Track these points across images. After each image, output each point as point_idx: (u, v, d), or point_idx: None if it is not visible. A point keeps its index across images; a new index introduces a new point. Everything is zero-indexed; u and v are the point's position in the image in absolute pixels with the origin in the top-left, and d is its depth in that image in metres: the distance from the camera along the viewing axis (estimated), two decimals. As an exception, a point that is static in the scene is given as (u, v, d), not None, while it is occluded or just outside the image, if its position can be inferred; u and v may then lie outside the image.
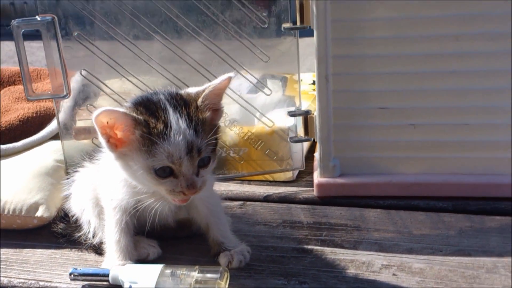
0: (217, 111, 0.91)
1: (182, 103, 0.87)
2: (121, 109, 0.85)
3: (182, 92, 0.91)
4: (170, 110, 0.86)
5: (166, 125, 0.84)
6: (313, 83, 1.64)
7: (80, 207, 1.06)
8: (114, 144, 0.88)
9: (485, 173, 1.15)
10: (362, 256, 0.98)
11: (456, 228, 1.05)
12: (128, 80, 1.20)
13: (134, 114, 0.85)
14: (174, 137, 0.84)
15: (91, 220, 1.03)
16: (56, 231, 1.11)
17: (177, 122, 0.84)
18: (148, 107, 0.87)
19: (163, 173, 0.87)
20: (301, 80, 1.59)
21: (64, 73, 1.16)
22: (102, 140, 0.88)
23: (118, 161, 0.90)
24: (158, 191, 0.90)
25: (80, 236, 1.06)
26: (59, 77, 1.17)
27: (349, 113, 1.18)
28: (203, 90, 0.88)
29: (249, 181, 1.34)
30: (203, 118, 0.87)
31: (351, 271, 0.94)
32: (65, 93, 1.18)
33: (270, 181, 1.33)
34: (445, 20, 1.09)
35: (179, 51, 1.19)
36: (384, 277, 0.92)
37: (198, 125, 0.85)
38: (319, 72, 1.14)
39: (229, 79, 0.88)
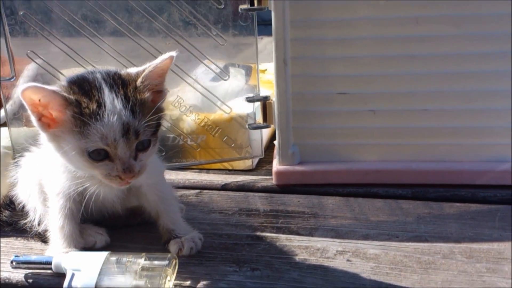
0: (159, 92, 0.85)
1: (120, 83, 0.82)
2: (50, 87, 0.79)
3: (122, 71, 0.86)
4: (106, 90, 0.80)
5: (100, 105, 0.79)
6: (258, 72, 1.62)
7: (26, 193, 1.01)
8: (47, 124, 0.83)
9: (445, 160, 1.13)
10: (317, 242, 0.95)
11: (414, 215, 1.02)
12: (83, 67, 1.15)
13: (64, 93, 0.79)
14: (108, 118, 0.79)
15: (36, 207, 0.99)
16: (1, 219, 1.06)
17: (112, 102, 0.79)
18: (81, 86, 0.81)
19: (98, 156, 0.82)
20: (266, 70, 1.57)
21: (9, 55, 1.11)
22: (32, 119, 0.83)
23: (51, 143, 0.85)
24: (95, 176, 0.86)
25: (25, 224, 1.01)
26: (5, 59, 1.12)
27: (308, 99, 1.15)
28: (143, 70, 0.84)
29: (208, 170, 1.30)
30: (142, 99, 0.82)
31: (305, 257, 0.91)
32: (11, 76, 1.12)
33: (229, 170, 1.30)
34: (406, 2, 1.06)
35: (132, 33, 1.15)
36: (338, 262, 0.89)
37: (135, 106, 0.80)
38: (277, 55, 1.11)
39: (171, 58, 0.83)
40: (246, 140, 1.27)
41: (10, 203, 1.05)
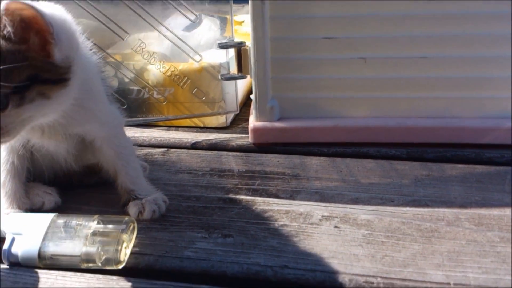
0: (39, 50, 0.65)
1: None
2: None
3: None
4: None
5: None
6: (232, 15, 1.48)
7: None
8: None
9: (445, 116, 1.00)
10: (300, 206, 0.82)
11: (410, 177, 0.89)
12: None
13: None
14: None
15: None
16: None
17: None
18: None
19: None
20: (243, 22, 1.42)
21: None
22: None
23: None
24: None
25: None
26: None
27: (289, 45, 1.00)
28: None
29: (177, 127, 1.16)
30: None
31: (285, 222, 0.78)
32: None
33: (200, 128, 1.16)
34: None
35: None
36: (324, 229, 0.76)
37: None
38: (254, -7, 0.96)
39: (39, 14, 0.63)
40: (219, 94, 1.12)
41: None
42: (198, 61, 1.10)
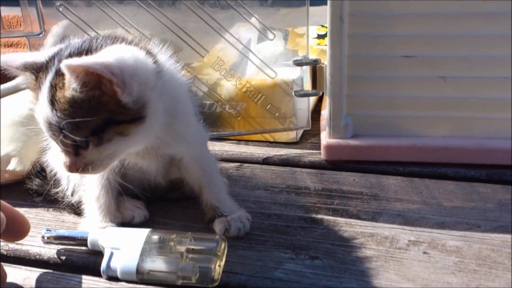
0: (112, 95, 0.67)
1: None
2: (15, 65, 0.71)
3: (93, 51, 0.70)
4: (49, 76, 0.68)
5: (39, 88, 0.69)
6: (318, 37, 1.47)
7: (58, 160, 0.88)
8: None
9: (527, 137, 0.98)
10: (384, 229, 0.82)
11: (494, 201, 0.88)
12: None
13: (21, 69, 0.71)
14: (38, 114, 0.70)
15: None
16: (31, 187, 0.95)
17: (42, 94, 0.68)
18: (49, 61, 0.70)
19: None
20: (304, 34, 1.42)
21: (38, 9, 0.98)
22: None
23: None
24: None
25: (57, 193, 0.89)
26: (33, 15, 1.00)
27: (366, 62, 1.00)
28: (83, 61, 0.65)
29: (247, 141, 1.17)
30: (66, 97, 0.66)
31: (372, 246, 0.78)
32: (39, 31, 0.99)
33: (270, 142, 1.16)
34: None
35: None
36: (413, 255, 0.75)
37: (58, 103, 0.66)
38: (333, 11, 0.96)
39: (107, 67, 0.64)
40: (291, 110, 1.12)
41: (41, 171, 0.94)
42: (273, 78, 1.10)
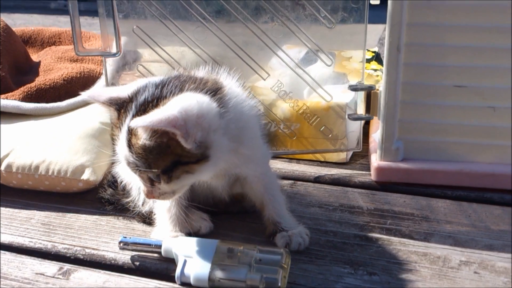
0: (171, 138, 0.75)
1: (140, 115, 0.76)
2: (102, 99, 0.81)
3: (164, 100, 0.77)
4: (128, 119, 0.77)
5: (120, 127, 0.78)
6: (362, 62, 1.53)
7: (128, 172, 0.96)
8: None
9: None
10: (436, 249, 0.87)
11: (539, 226, 0.93)
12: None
13: (106, 102, 0.81)
14: (118, 150, 0.80)
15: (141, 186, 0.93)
16: (104, 197, 1.02)
17: (122, 134, 0.78)
18: (130, 101, 0.79)
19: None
20: (351, 57, 1.48)
21: (116, 31, 1.05)
22: None
23: None
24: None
25: (128, 203, 0.97)
26: (110, 36, 1.07)
27: (419, 90, 1.06)
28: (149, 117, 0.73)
29: (298, 160, 1.23)
30: (139, 144, 0.76)
31: (425, 265, 0.83)
32: (115, 51, 1.07)
33: (321, 161, 1.23)
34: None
35: (238, 12, 1.08)
36: (465, 274, 0.81)
37: (134, 147, 0.76)
38: (390, 41, 1.03)
39: (173, 122, 0.72)
40: (342, 131, 1.19)
41: (113, 181, 1.01)
42: (328, 101, 1.16)
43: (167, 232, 0.88)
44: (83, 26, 1.07)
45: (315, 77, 1.22)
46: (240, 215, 0.98)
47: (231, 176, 0.90)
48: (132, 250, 0.87)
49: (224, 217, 0.97)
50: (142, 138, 0.75)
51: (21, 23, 4.06)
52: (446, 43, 1.02)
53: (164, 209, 0.90)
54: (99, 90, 0.82)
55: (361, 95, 1.15)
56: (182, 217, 0.89)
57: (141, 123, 0.71)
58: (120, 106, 0.79)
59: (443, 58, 1.03)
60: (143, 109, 0.76)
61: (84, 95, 0.82)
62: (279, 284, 0.76)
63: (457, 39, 1.02)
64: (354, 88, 1.14)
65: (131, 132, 0.76)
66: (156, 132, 0.74)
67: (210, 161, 0.78)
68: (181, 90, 0.78)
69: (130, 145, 0.76)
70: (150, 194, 0.80)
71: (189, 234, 0.90)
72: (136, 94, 0.79)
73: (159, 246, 0.84)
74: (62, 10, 3.88)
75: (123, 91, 0.81)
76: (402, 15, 1.01)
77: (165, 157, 0.76)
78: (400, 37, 1.02)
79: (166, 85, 0.79)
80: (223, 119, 0.79)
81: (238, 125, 0.82)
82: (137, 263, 0.86)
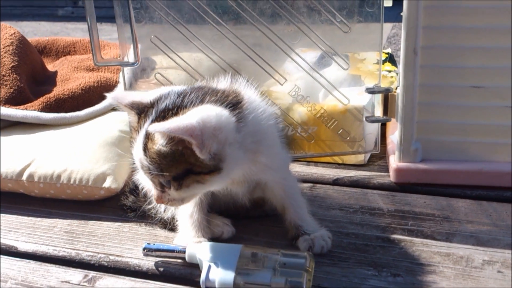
0: (186, 147, 0.76)
1: (159, 121, 0.77)
2: (125, 102, 0.83)
3: (184, 109, 0.78)
4: (146, 124, 0.78)
5: (138, 130, 0.80)
6: (378, 62, 1.53)
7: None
8: None
9: None
10: (458, 249, 0.87)
11: (562, 224, 0.93)
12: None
13: (129, 107, 0.82)
14: (134, 152, 0.81)
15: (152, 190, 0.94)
16: (126, 204, 1.04)
17: (139, 139, 0.79)
18: (151, 107, 0.80)
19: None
20: (365, 59, 1.48)
21: (134, 40, 1.07)
22: None
23: None
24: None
25: (150, 210, 0.98)
26: (128, 45, 1.08)
27: (437, 91, 1.06)
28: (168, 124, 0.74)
29: (316, 163, 1.24)
30: (154, 149, 0.77)
31: (448, 265, 0.83)
32: (134, 61, 1.08)
33: (339, 164, 1.23)
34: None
35: (254, 19, 1.09)
36: (489, 273, 0.81)
37: (147, 150, 0.78)
38: (407, 44, 1.03)
39: (191, 130, 0.73)
40: (360, 134, 1.19)
41: (135, 188, 1.02)
42: (346, 104, 1.17)
43: (190, 238, 0.89)
44: (98, 30, 1.08)
45: (330, 79, 1.22)
46: (262, 219, 0.98)
47: (251, 182, 0.90)
48: (156, 256, 0.87)
49: (246, 222, 0.97)
50: (158, 144, 0.76)
51: (29, 30, 4.10)
52: (463, 44, 1.03)
53: (186, 215, 0.91)
54: (123, 93, 0.84)
55: (378, 97, 1.15)
56: (204, 222, 0.90)
57: (159, 128, 0.73)
58: (141, 111, 0.81)
59: (460, 59, 1.04)
60: (162, 115, 0.77)
61: (108, 97, 0.84)
62: (304, 287, 0.76)
63: (474, 40, 1.02)
64: (371, 91, 1.14)
65: (148, 137, 0.77)
66: (173, 139, 0.75)
67: (222, 173, 0.78)
68: (202, 101, 0.79)
69: (145, 148, 0.77)
70: (159, 199, 0.81)
71: (211, 239, 0.90)
72: (157, 100, 0.80)
73: (183, 252, 0.85)
74: (70, 17, 3.92)
75: (145, 96, 0.82)
76: (418, 18, 1.01)
77: (178, 164, 0.77)
78: (416, 40, 1.02)
79: (188, 95, 0.80)
80: (240, 133, 0.80)
81: (255, 139, 0.82)
82: (161, 269, 0.87)
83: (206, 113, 0.76)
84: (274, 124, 0.90)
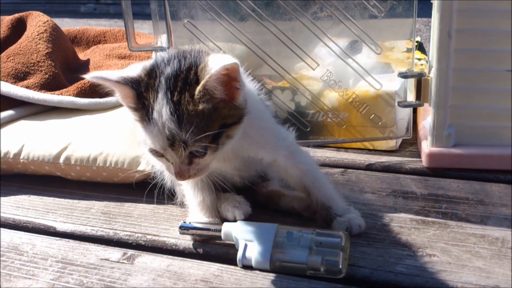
0: (228, 99, 0.75)
1: (181, 85, 0.74)
2: (115, 77, 0.75)
3: (201, 65, 0.75)
4: (160, 93, 0.74)
5: (148, 110, 0.74)
6: (407, 50, 1.53)
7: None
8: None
9: None
10: (494, 231, 0.88)
11: None
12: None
13: (125, 84, 0.75)
14: (153, 127, 0.74)
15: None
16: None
17: (159, 110, 0.73)
18: (148, 79, 0.76)
19: (156, 153, 0.78)
20: (394, 48, 1.48)
21: (168, 26, 1.08)
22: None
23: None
24: None
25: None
26: (162, 31, 1.10)
27: (471, 76, 1.06)
28: (206, 77, 0.72)
29: (346, 149, 1.24)
30: (195, 110, 0.73)
31: (484, 246, 0.84)
32: (168, 46, 1.09)
33: (369, 150, 1.23)
34: None
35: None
36: (525, 254, 0.81)
37: (184, 117, 0.73)
38: (441, 28, 1.03)
39: (235, 66, 0.71)
40: (392, 119, 1.19)
41: None
42: (378, 89, 1.17)
43: (200, 218, 0.90)
44: (120, 26, 1.09)
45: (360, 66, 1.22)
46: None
47: (245, 159, 0.89)
48: (192, 234, 0.89)
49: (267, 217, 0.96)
50: (201, 102, 0.73)
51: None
52: (497, 28, 1.02)
53: (195, 199, 0.91)
54: (105, 72, 0.77)
55: (411, 82, 1.15)
56: (212, 205, 0.91)
57: (217, 70, 0.70)
58: (138, 85, 0.75)
59: (494, 43, 1.03)
60: (176, 81, 0.74)
61: (87, 77, 0.75)
62: (340, 266, 0.77)
63: (508, 23, 1.02)
64: (404, 75, 1.14)
65: (179, 101, 0.73)
66: (210, 94, 0.73)
67: (242, 123, 0.78)
68: (207, 55, 0.77)
69: (179, 115, 0.72)
70: (186, 174, 0.77)
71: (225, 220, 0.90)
72: (153, 71, 0.76)
73: (219, 231, 0.86)
74: (92, 14, 3.95)
75: (128, 72, 0.77)
76: (453, 1, 1.01)
77: (214, 121, 0.74)
78: (451, 23, 1.02)
79: (184, 58, 0.76)
80: None
81: (248, 103, 0.80)
82: (198, 248, 0.88)
83: (228, 57, 0.74)
84: (260, 100, 0.90)
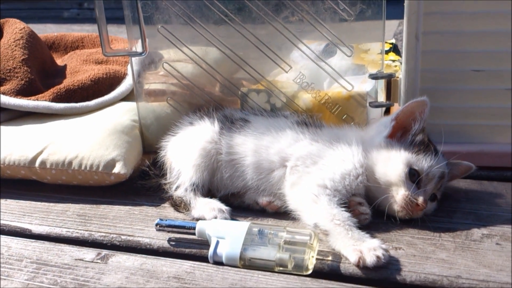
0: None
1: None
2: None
3: None
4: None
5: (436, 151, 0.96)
6: (381, 52, 1.56)
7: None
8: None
9: None
10: (459, 225, 0.90)
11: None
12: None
13: None
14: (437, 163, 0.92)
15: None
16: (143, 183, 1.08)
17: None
18: None
19: (412, 176, 0.88)
20: (369, 50, 1.50)
21: (141, 31, 1.10)
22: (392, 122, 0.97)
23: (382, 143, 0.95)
24: None
25: (165, 184, 1.03)
26: (135, 36, 1.11)
27: (438, 76, 1.09)
28: None
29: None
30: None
31: (448, 239, 0.86)
32: (142, 51, 1.11)
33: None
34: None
35: (259, 8, 1.11)
36: (487, 246, 0.84)
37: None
38: (409, 31, 1.06)
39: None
40: (364, 119, 1.21)
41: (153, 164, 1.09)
42: (350, 90, 1.19)
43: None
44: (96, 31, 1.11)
45: (334, 68, 1.24)
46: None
47: None
48: (168, 232, 0.90)
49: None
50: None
51: (36, 32, 4.13)
52: (463, 30, 1.06)
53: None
54: None
55: (381, 83, 1.18)
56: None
57: None
58: None
59: (460, 44, 1.07)
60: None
61: None
62: (307, 263, 0.79)
63: (474, 25, 1.05)
64: (374, 77, 1.17)
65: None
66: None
67: None
68: None
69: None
70: (423, 206, 0.89)
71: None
72: None
73: (193, 228, 0.88)
74: (76, 19, 3.95)
75: None
76: (419, 4, 1.04)
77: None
78: (418, 26, 1.05)
79: None
80: None
81: None
82: (172, 247, 0.90)
83: None
84: None
